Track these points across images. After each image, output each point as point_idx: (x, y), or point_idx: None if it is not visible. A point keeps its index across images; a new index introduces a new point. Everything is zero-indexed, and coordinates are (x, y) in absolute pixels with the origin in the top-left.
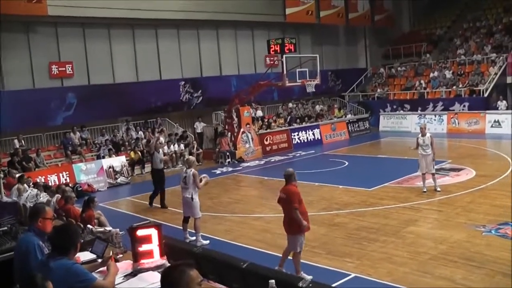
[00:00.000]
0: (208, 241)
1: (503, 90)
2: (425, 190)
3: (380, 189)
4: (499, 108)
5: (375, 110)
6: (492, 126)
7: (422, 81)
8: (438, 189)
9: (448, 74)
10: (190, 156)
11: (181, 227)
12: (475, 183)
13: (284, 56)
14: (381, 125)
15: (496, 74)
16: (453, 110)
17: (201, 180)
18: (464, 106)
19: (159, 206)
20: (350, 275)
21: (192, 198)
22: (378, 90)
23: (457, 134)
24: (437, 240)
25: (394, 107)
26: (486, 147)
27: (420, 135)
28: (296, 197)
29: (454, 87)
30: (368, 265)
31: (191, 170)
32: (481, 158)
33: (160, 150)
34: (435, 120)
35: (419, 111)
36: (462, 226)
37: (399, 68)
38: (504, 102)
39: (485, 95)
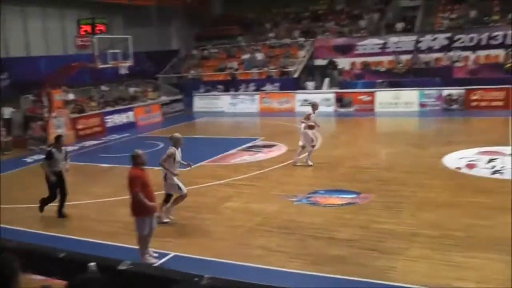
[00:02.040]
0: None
1: (311, 71)
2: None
3: (197, 168)
4: (308, 88)
5: (189, 92)
6: (301, 105)
7: (234, 63)
8: (310, 163)
9: (260, 56)
10: (177, 134)
11: None
12: (287, 157)
13: (95, 36)
14: (196, 106)
15: (304, 57)
16: (265, 90)
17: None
18: (275, 86)
19: None
20: (169, 254)
21: (165, 177)
22: (192, 72)
23: (269, 113)
24: (253, 213)
25: (208, 88)
26: (296, 124)
27: (313, 112)
28: (137, 181)
29: (266, 68)
30: (187, 243)
31: (169, 148)
32: (292, 134)
33: None
34: (248, 100)
35: (232, 92)
36: (276, 198)
37: (212, 50)
38: (313, 82)
39: (295, 76)
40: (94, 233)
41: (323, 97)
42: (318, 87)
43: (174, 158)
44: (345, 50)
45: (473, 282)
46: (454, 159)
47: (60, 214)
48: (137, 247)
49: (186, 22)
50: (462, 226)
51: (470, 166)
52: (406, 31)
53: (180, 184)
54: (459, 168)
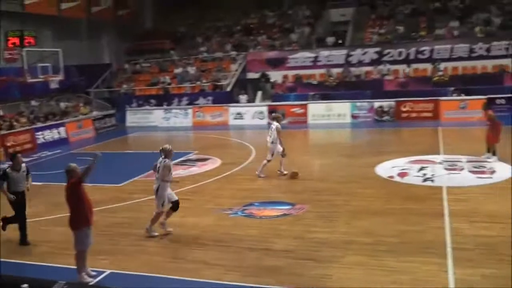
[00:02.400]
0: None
1: (244, 85)
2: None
3: (131, 183)
4: (241, 102)
5: (122, 106)
6: (235, 118)
7: (167, 77)
8: (285, 172)
9: (192, 70)
10: (167, 145)
11: None
12: (221, 170)
13: (24, 49)
14: (128, 120)
15: (237, 70)
16: (198, 104)
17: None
18: (208, 100)
19: None
20: (105, 271)
21: (157, 190)
22: (124, 86)
23: (203, 127)
24: (189, 227)
25: (140, 102)
26: (230, 137)
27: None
28: (75, 192)
29: (198, 82)
30: (123, 259)
31: (164, 161)
32: (226, 147)
33: None
34: (181, 114)
35: (165, 106)
36: (211, 211)
37: (143, 64)
38: (245, 96)
39: (228, 89)
40: (27, 255)
41: (256, 110)
42: (251, 100)
43: (169, 170)
44: (277, 63)
45: (407, 285)
46: (387, 168)
47: (24, 240)
48: (73, 266)
49: (117, 36)
50: (395, 232)
51: (402, 174)
52: (337, 45)
53: (166, 201)
54: (391, 176)
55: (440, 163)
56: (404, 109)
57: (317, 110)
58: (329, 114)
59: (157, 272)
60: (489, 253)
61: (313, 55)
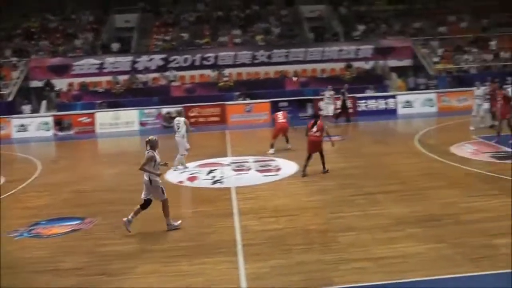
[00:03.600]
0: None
1: (27, 94)
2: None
3: None
4: (24, 112)
5: None
6: (18, 131)
7: None
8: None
9: None
10: (152, 136)
11: None
12: (5, 189)
13: None
14: None
15: (19, 78)
16: None
17: None
18: None
19: None
20: None
21: (150, 181)
22: None
23: None
24: None
25: None
26: (13, 152)
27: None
28: None
29: None
30: None
31: (147, 152)
32: (9, 163)
33: None
34: None
35: None
36: None
37: None
38: (29, 106)
39: (10, 99)
40: None
41: (41, 121)
42: (36, 110)
43: (155, 161)
44: (62, 71)
45: (201, 286)
46: (177, 174)
47: None
48: None
49: None
50: (189, 236)
51: (192, 179)
52: (123, 51)
53: (163, 188)
54: (181, 182)
55: (228, 165)
56: (192, 114)
57: (104, 118)
58: (117, 122)
59: None
60: (277, 245)
61: (98, 61)
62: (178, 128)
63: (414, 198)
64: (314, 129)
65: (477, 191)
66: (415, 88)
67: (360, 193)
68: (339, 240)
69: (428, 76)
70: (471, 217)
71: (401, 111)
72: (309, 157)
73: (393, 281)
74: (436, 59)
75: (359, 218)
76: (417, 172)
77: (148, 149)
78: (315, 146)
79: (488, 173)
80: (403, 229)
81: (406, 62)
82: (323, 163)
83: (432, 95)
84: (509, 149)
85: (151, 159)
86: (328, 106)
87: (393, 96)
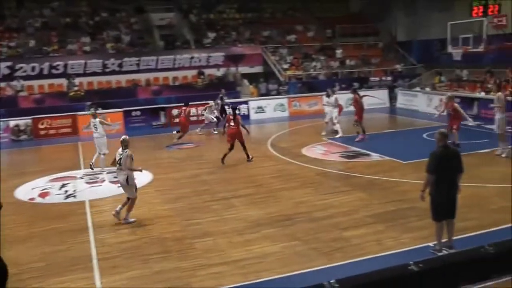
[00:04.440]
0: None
1: None
2: None
3: None
4: None
5: None
6: None
7: None
8: None
9: None
10: (126, 136)
11: None
12: None
13: None
14: None
15: None
16: None
17: None
18: None
19: None
20: None
21: (127, 181)
22: None
23: None
24: None
25: None
26: None
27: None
28: None
29: None
30: None
31: (126, 151)
32: None
33: None
34: None
35: None
36: None
37: None
38: None
39: None
40: None
41: None
42: None
43: (132, 158)
44: None
45: None
46: (27, 191)
47: None
48: None
49: None
50: (41, 256)
51: (43, 195)
52: None
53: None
54: (32, 198)
55: (81, 177)
56: (42, 126)
57: None
58: None
59: None
60: (134, 256)
61: None
62: (96, 129)
63: (269, 200)
64: (232, 122)
65: (329, 189)
66: (267, 94)
67: (216, 199)
68: (195, 247)
69: (279, 82)
70: (323, 213)
71: (253, 116)
72: (231, 148)
73: (249, 282)
74: (286, 66)
75: (215, 223)
76: (271, 175)
77: (124, 148)
78: (232, 137)
79: (338, 172)
80: (258, 230)
81: (257, 69)
82: (246, 153)
83: (283, 100)
84: (356, 148)
85: (132, 156)
86: (212, 114)
87: (245, 102)
